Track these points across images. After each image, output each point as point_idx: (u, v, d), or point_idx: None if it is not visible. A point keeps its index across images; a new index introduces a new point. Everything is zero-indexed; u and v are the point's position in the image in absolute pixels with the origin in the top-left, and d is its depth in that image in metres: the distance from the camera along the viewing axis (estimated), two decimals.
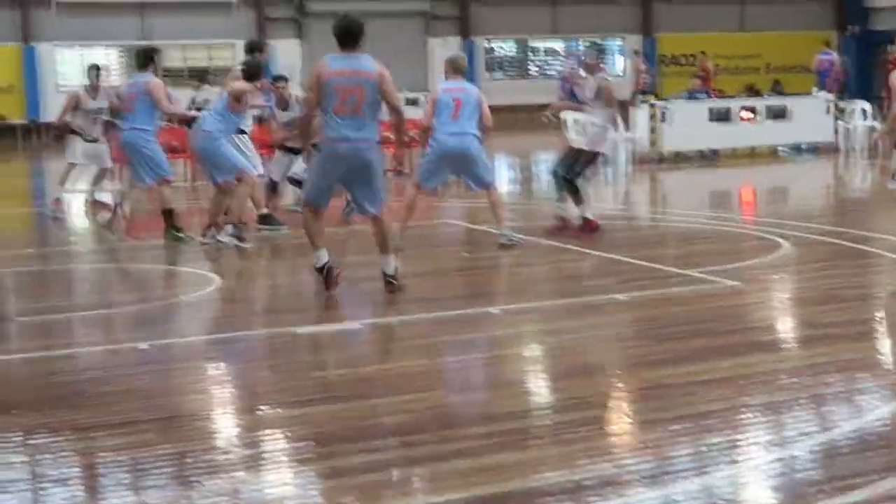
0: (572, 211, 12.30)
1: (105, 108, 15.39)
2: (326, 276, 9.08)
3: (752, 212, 15.94)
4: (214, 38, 34.57)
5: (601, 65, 12.88)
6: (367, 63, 8.91)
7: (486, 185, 11.60)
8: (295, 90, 14.33)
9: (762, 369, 6.69)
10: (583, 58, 12.79)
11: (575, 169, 12.12)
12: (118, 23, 34.27)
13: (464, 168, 11.50)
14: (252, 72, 12.14)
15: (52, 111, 33.68)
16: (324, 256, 9.09)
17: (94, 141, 15.55)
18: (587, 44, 20.59)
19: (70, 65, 34.75)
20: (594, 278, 10.05)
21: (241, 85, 11.89)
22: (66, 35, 34.08)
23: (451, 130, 11.18)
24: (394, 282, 9.05)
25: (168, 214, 12.24)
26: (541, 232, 12.19)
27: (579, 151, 12.34)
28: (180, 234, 12.10)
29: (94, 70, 15.78)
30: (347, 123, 8.76)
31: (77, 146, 15.63)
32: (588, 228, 12.07)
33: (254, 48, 13.44)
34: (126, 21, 34.36)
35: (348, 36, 8.94)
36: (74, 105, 15.47)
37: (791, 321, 8.63)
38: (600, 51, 12.76)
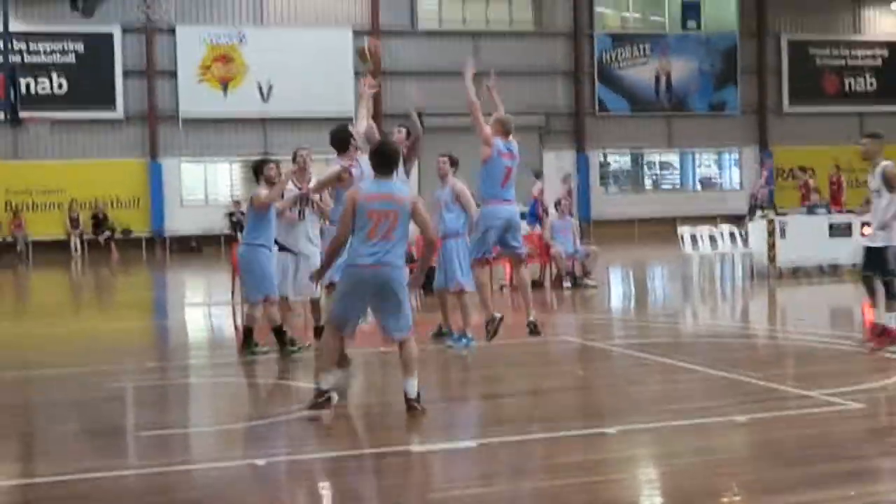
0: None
1: None
2: (323, 400, 9.00)
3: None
4: (333, 152, 35.18)
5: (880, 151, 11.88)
6: (401, 189, 9.03)
7: (521, 259, 11.68)
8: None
9: (890, 498, 6.48)
10: (865, 144, 11.95)
11: (889, 268, 11.74)
12: (240, 137, 35.38)
13: (507, 235, 11.74)
14: (341, 137, 11.11)
15: (176, 224, 34.83)
16: (331, 380, 9.04)
17: None
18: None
19: (194, 178, 35.93)
20: (711, 398, 9.86)
21: (326, 177, 11.26)
22: (191, 150, 35.24)
23: (503, 197, 11.63)
24: (416, 406, 8.90)
25: (277, 332, 12.28)
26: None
27: (881, 249, 11.85)
28: (296, 349, 12.19)
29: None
30: (375, 247, 8.75)
31: None
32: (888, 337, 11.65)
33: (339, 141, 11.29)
34: (248, 135, 35.43)
35: (385, 162, 9.02)
36: None
37: None
38: (875, 135, 11.98)
